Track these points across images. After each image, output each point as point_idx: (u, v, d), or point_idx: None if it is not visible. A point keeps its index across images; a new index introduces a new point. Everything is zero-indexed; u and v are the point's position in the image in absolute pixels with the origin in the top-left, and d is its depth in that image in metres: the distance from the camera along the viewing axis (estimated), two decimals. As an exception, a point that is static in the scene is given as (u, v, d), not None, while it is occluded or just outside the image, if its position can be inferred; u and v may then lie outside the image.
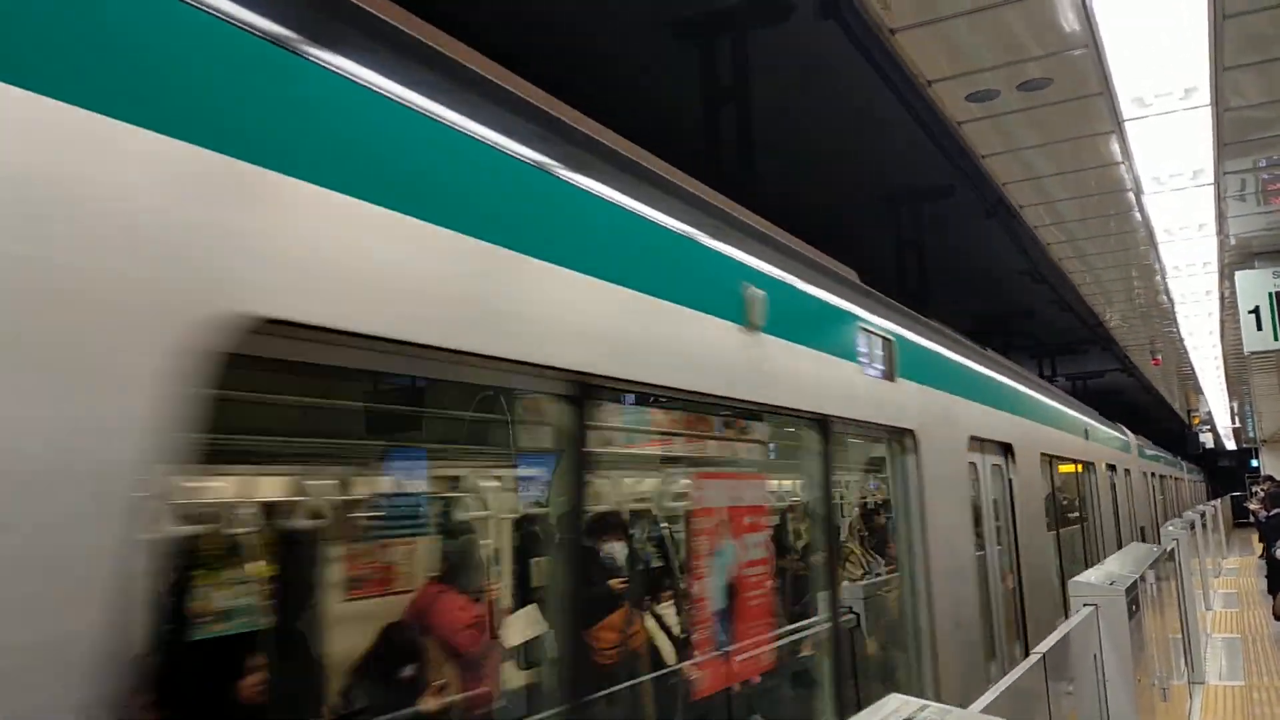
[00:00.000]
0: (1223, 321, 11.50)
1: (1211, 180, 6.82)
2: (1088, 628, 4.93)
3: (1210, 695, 9.85)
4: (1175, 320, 11.92)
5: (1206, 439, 30.73)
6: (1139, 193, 7.02)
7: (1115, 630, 5.06)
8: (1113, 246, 8.88)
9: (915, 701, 2.39)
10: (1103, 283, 10.67)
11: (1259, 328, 8.46)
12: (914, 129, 9.84)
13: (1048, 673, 3.84)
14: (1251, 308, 8.45)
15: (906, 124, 9.63)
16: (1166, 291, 10.39)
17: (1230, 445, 38.01)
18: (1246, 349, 8.90)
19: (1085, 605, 5.07)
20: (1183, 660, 9.42)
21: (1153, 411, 32.11)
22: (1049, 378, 19.92)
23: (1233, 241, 8.50)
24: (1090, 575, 5.75)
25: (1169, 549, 9.16)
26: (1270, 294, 8.42)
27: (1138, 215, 7.73)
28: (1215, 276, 9.51)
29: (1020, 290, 16.38)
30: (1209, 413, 26.54)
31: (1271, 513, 13.30)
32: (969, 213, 13.33)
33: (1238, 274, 8.70)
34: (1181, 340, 13.31)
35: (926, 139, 10.03)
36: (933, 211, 13.22)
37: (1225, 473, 44.09)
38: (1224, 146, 6.30)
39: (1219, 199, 7.28)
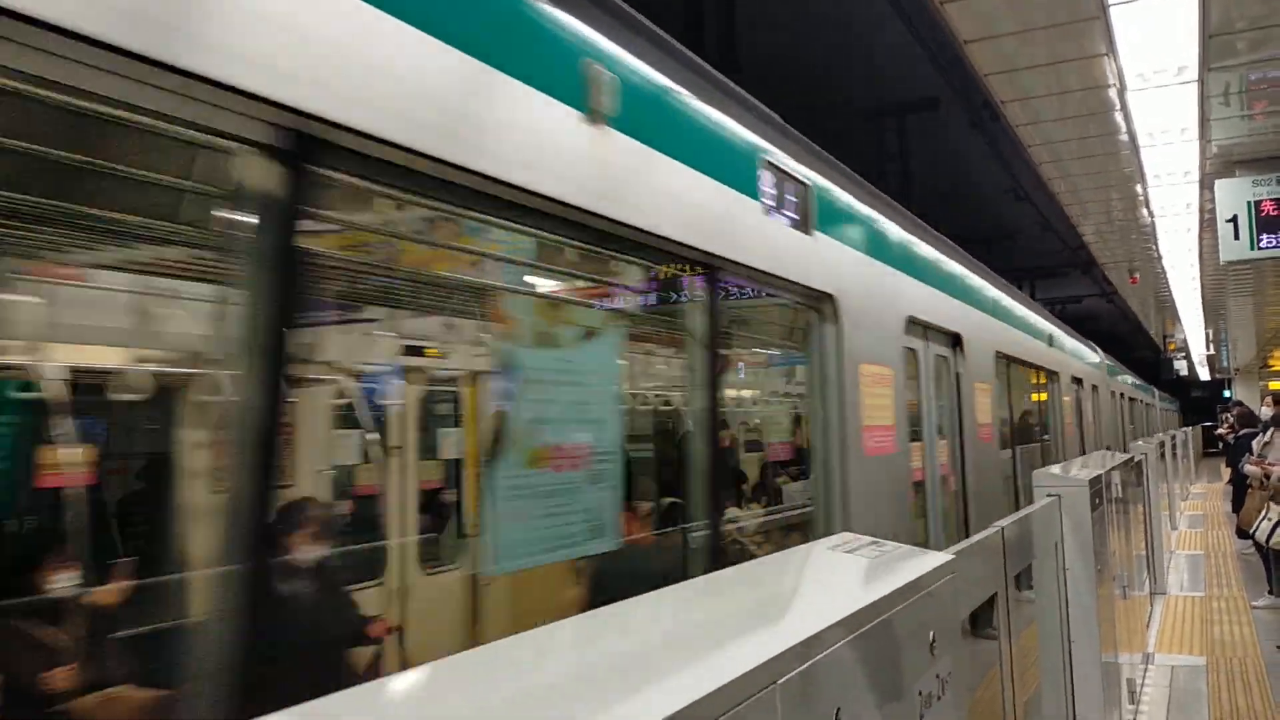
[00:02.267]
0: (1201, 239, 11.43)
1: (1196, 78, 6.67)
2: (1049, 516, 4.91)
3: (1171, 604, 9.99)
4: (1155, 235, 11.84)
5: (1181, 366, 30.91)
6: (1122, 89, 6.86)
7: (1077, 521, 5.05)
8: (1094, 150, 8.74)
9: (865, 538, 2.34)
10: (1081, 193, 10.55)
11: (1236, 236, 8.39)
12: (900, 30, 9.65)
13: (1006, 554, 3.80)
14: (1230, 216, 8.37)
15: (892, 20, 9.43)
16: (1146, 203, 10.28)
17: (1204, 376, 38.34)
18: (1223, 258, 8.84)
19: (1048, 496, 5.04)
20: (1146, 573, 9.53)
21: (1129, 339, 32.29)
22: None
23: (1214, 149, 8.38)
24: (1054, 469, 5.73)
25: (1136, 459, 9.21)
26: (1249, 203, 8.33)
27: (1119, 117, 7.59)
28: (1196, 188, 9.40)
29: (1002, 211, 16.33)
30: (1184, 340, 26.66)
31: (1240, 433, 13.45)
32: (954, 130, 13.21)
33: (1217, 183, 8.60)
34: (1160, 258, 13.24)
35: (913, 42, 9.85)
36: (917, 127, 13.08)
37: (1198, 403, 44.53)
38: (1210, 40, 6.15)
39: (1202, 100, 7.14)
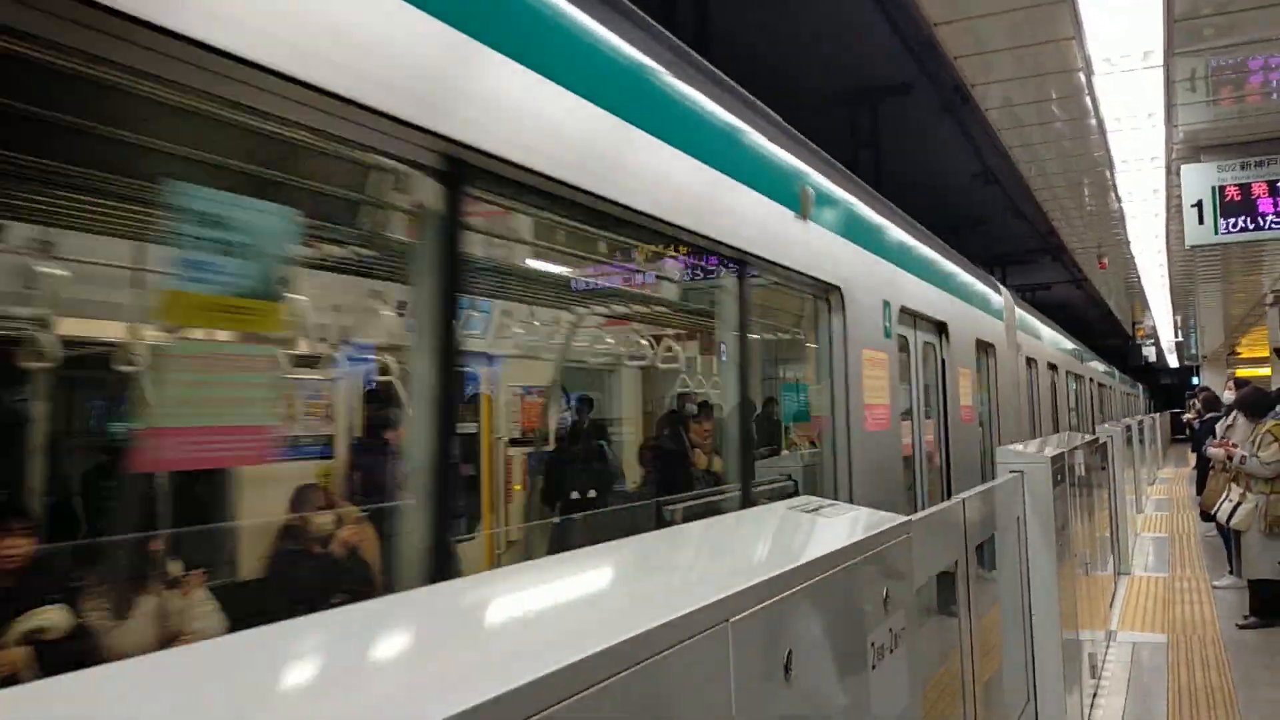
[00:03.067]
0: (1169, 224, 11.57)
1: (1161, 63, 6.75)
2: (1012, 492, 4.99)
3: (1135, 584, 10.16)
4: (1123, 220, 11.97)
5: (1149, 352, 31.26)
6: (1089, 74, 6.94)
7: (1039, 497, 5.13)
8: (1063, 134, 8.83)
9: (827, 500, 2.39)
10: (1051, 178, 10.65)
11: (1200, 221, 8.50)
12: (873, 12, 9.69)
13: (966, 525, 3.86)
14: (1194, 201, 8.48)
15: (864, 2, 9.47)
16: (1115, 188, 10.39)
17: (1173, 363, 38.80)
18: (1188, 242, 8.96)
19: (1011, 472, 5.12)
20: (1110, 553, 9.68)
21: (1099, 326, 32.62)
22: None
23: (1181, 135, 8.48)
24: (1017, 446, 5.82)
25: (1102, 441, 9.34)
26: (1213, 188, 8.45)
27: (1088, 100, 7.67)
28: (1163, 173, 9.52)
29: (973, 196, 16.44)
30: (1153, 326, 26.97)
31: (1205, 417, 13.67)
32: (925, 114, 13.28)
33: (1183, 168, 8.71)
34: (1128, 243, 13.39)
35: (885, 24, 9.89)
36: (888, 112, 13.15)
37: (1166, 390, 45.07)
38: (1175, 24, 6.23)
39: (1168, 85, 7.23)
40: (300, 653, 1.08)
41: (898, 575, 2.15)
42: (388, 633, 1.20)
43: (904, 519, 2.29)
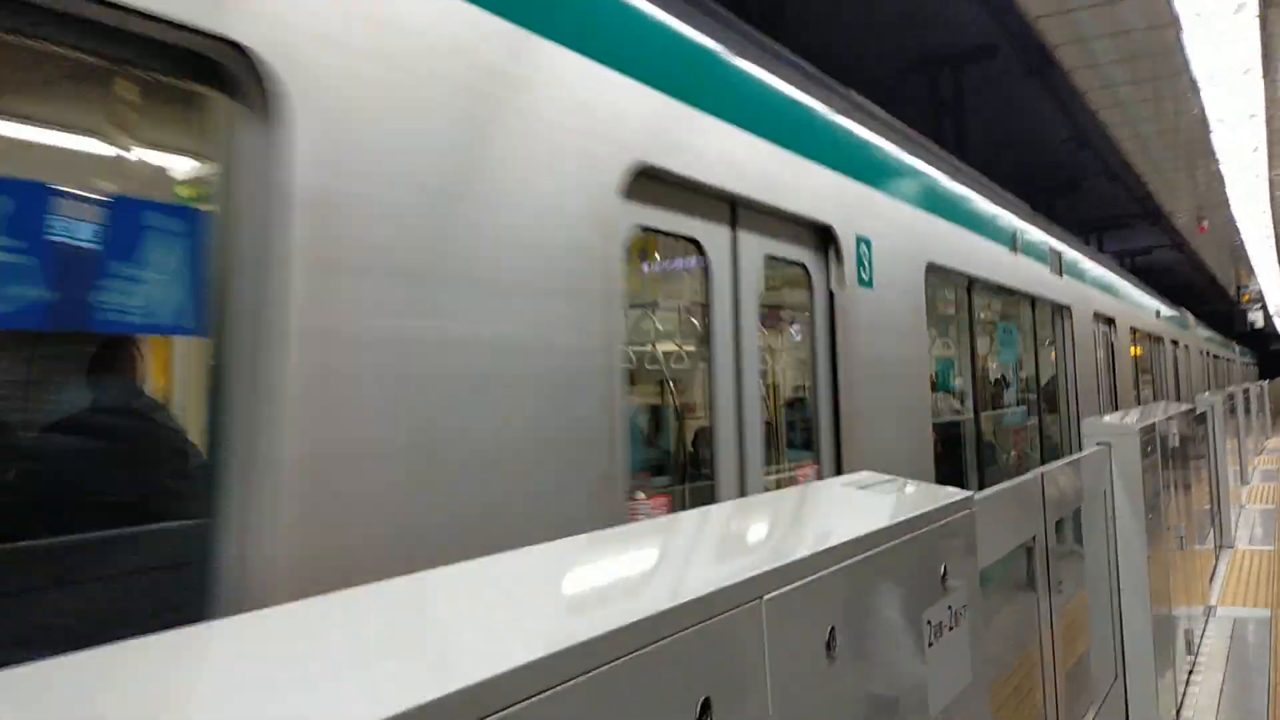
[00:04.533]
0: (1272, 183, 11.08)
1: (1256, 14, 6.44)
2: (1098, 464, 4.86)
3: (1238, 557, 9.81)
4: (1222, 181, 11.49)
5: (1256, 317, 29.97)
6: (1178, 29, 6.66)
7: (1127, 469, 4.99)
8: (1153, 94, 8.50)
9: (885, 476, 2.37)
10: (1144, 139, 10.28)
11: (1304, 178, 8.12)
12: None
13: (1045, 500, 3.78)
14: (1297, 157, 8.11)
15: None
16: (1210, 149, 9.98)
17: (1283, 327, 37.24)
18: (1291, 202, 8.57)
19: (1097, 445, 4.99)
20: (1211, 527, 9.37)
21: (1203, 291, 31.41)
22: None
23: (1282, 89, 8.11)
24: (1107, 417, 5.65)
25: (1200, 412, 9.02)
26: (1318, 142, 8.05)
27: (1179, 57, 7.37)
28: (1263, 130, 9.11)
29: (1065, 160, 15.95)
30: (1259, 291, 25.86)
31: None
32: (1011, 78, 12.91)
33: (1286, 123, 8.33)
34: (1229, 205, 12.85)
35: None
36: (975, 74, 12.81)
37: (1276, 356, 43.23)
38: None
39: (1266, 37, 6.90)
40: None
41: (958, 551, 2.11)
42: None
43: (965, 494, 2.25)
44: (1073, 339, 8.83)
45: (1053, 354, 8.76)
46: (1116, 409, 9.87)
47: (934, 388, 5.99)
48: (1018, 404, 8.16)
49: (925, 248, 5.34)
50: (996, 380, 8.03)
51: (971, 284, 6.42)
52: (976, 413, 6.70)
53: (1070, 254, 8.88)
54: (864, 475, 2.46)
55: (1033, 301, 7.94)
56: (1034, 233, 7.83)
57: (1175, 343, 16.10)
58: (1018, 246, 6.97)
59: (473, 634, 1.09)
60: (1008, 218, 6.87)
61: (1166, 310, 15.98)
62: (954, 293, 6.49)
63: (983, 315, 7.27)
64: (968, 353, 6.69)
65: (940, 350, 6.30)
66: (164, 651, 0.98)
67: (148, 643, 0.97)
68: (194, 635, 1.05)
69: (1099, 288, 9.93)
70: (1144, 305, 12.60)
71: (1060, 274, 8.45)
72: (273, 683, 0.91)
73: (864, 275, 4.41)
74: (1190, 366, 19.19)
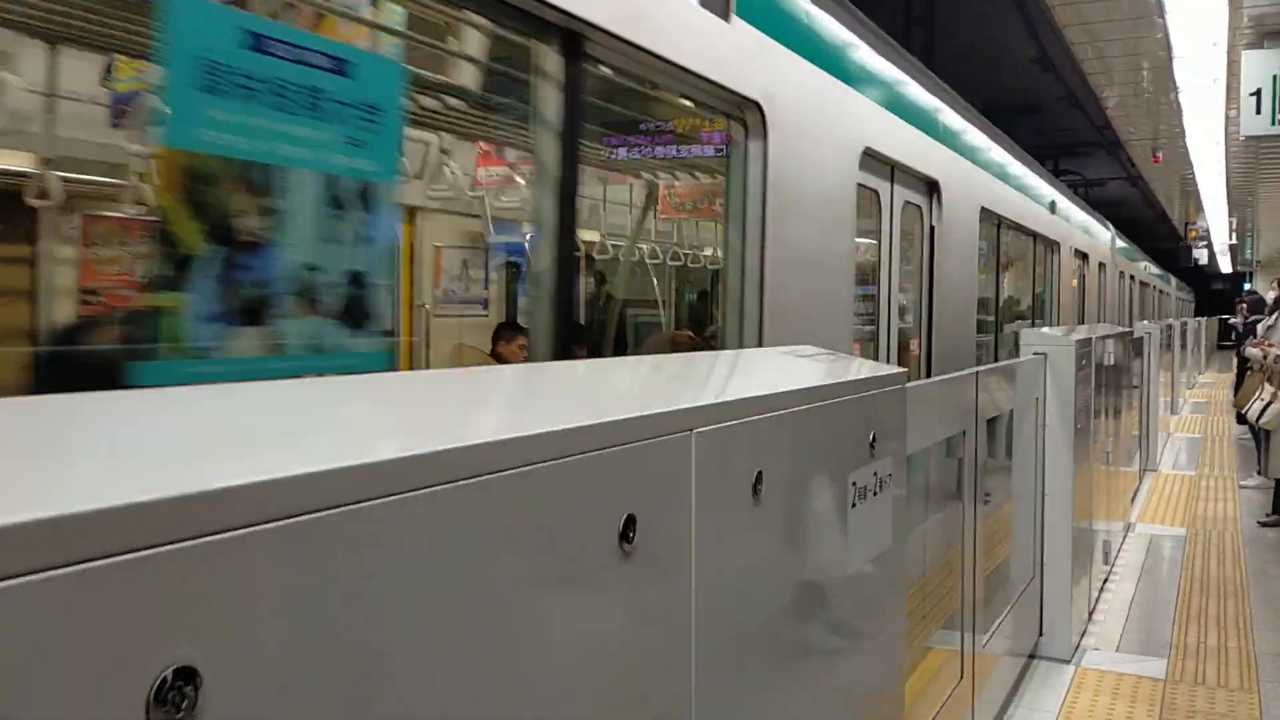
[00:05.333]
0: (1228, 117, 11.14)
1: (1229, -63, 6.40)
2: (1033, 372, 4.97)
3: (1160, 480, 10.15)
4: (1179, 112, 11.55)
5: (1201, 255, 30.52)
6: (1150, -53, 6.61)
7: (1061, 380, 5.11)
8: (1121, 15, 8.47)
9: (825, 350, 2.40)
10: (1108, 62, 10.27)
11: (1258, 111, 8.17)
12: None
13: (979, 397, 3.85)
14: (1254, 90, 8.14)
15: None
16: (1172, 75, 10.00)
17: (1226, 268, 37.89)
18: (1243, 132, 8.64)
19: (1035, 353, 5.09)
20: (1138, 450, 9.67)
21: (1151, 228, 31.86)
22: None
23: (1246, 19, 8.10)
24: (1045, 329, 5.76)
25: (1137, 335, 9.23)
26: (1274, 76, 8.09)
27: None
28: (1224, 60, 9.12)
29: (1030, 84, 15.93)
30: (1206, 229, 26.26)
31: (1249, 320, 13.53)
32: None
33: (1244, 54, 8.34)
34: (1184, 135, 12.95)
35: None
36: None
37: (1217, 295, 44.12)
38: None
39: (1235, -37, 6.87)
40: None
41: (887, 423, 2.16)
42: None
43: (899, 370, 2.30)
44: (1058, 270, 11.13)
45: (1047, 282, 11.03)
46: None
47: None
48: (1023, 318, 10.23)
49: (980, 196, 7.22)
50: (1008, 299, 10.05)
51: (1000, 223, 8.24)
52: (998, 324, 8.91)
53: (1061, 200, 11.21)
54: (806, 348, 2.49)
55: (1034, 237, 9.92)
56: (1041, 184, 10.12)
57: (1124, 274, 17.05)
58: (1031, 196, 9.31)
59: (432, 418, 1.13)
60: (1028, 172, 9.23)
61: (1121, 244, 16.85)
62: (990, 230, 8.10)
63: (1005, 250, 9.14)
64: (992, 277, 8.57)
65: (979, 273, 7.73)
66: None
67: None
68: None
69: (1078, 228, 12.46)
70: (1104, 242, 14.84)
71: (1054, 213, 10.70)
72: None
73: (946, 215, 6.25)
74: (1143, 298, 20.26)
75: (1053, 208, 10.61)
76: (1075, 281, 12.35)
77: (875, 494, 2.06)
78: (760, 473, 1.54)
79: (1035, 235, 9.89)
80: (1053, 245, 10.86)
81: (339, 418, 1.11)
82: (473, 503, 0.94)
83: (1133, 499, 8.73)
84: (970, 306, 7.02)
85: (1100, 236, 14.56)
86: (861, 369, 2.18)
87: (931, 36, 12.39)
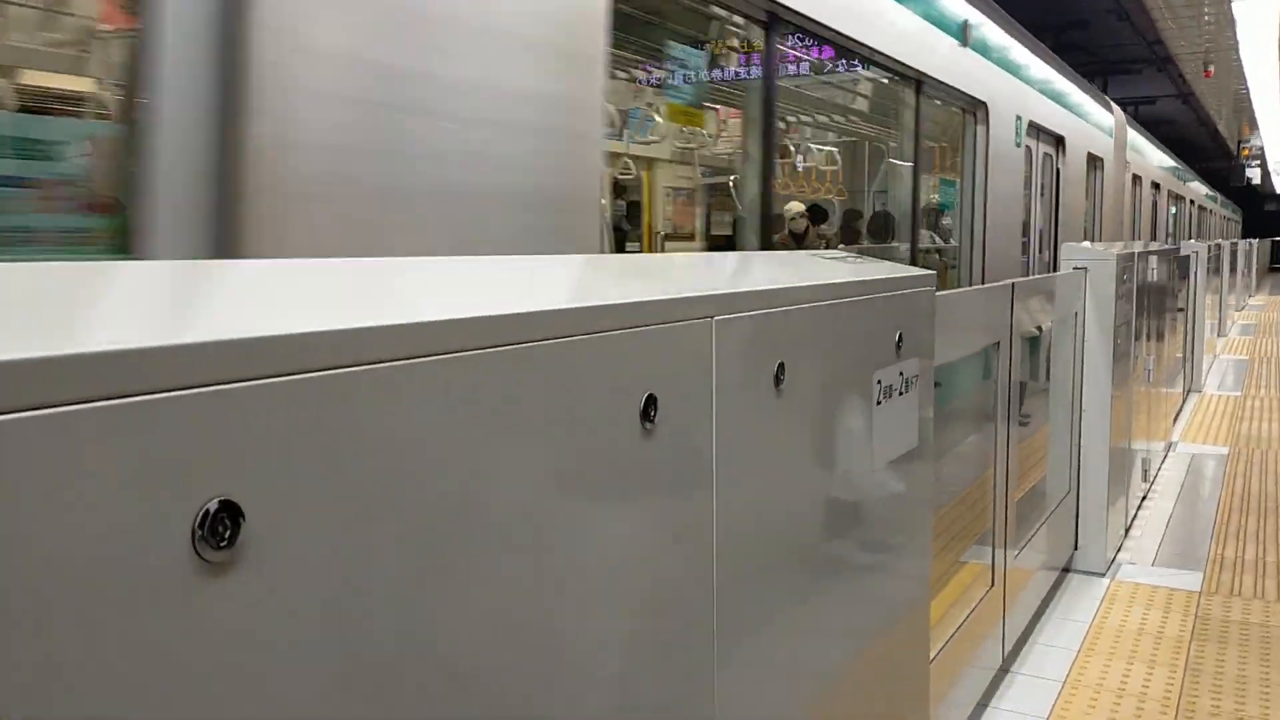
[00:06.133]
0: (1284, 27, 10.80)
1: None
2: (1074, 286, 4.92)
3: (1204, 401, 10.04)
4: (1233, 23, 11.20)
5: (1254, 174, 29.68)
6: None
7: (1100, 296, 5.05)
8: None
9: (857, 256, 2.40)
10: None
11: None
12: None
13: (1015, 313, 3.83)
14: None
15: None
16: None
17: (1280, 188, 36.92)
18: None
19: (1075, 268, 5.04)
20: (1182, 371, 9.55)
21: (1203, 147, 31.03)
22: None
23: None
24: (1086, 244, 5.67)
25: (1183, 254, 9.06)
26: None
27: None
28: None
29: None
30: (1260, 147, 25.55)
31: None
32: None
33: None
34: (1237, 48, 12.56)
35: None
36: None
37: (1272, 217, 43.03)
38: None
39: None
40: None
41: (915, 324, 2.17)
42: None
43: (928, 273, 2.30)
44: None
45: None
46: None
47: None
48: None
49: (1089, 144, 10.05)
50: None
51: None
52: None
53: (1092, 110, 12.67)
54: (836, 252, 2.49)
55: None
56: (1100, 112, 11.82)
57: (1156, 186, 16.86)
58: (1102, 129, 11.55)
59: (485, 291, 1.16)
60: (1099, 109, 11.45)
61: (1166, 160, 16.66)
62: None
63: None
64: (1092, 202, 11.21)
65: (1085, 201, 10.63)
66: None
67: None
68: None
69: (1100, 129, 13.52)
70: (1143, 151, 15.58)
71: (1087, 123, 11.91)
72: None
73: (1068, 160, 8.71)
74: (1186, 217, 19.76)
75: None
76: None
77: (901, 393, 2.08)
78: (782, 364, 1.56)
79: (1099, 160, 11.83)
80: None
81: (396, 288, 1.14)
82: (509, 367, 0.98)
83: (1175, 419, 8.66)
84: (1079, 227, 10.05)
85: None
86: (891, 270, 2.17)
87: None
